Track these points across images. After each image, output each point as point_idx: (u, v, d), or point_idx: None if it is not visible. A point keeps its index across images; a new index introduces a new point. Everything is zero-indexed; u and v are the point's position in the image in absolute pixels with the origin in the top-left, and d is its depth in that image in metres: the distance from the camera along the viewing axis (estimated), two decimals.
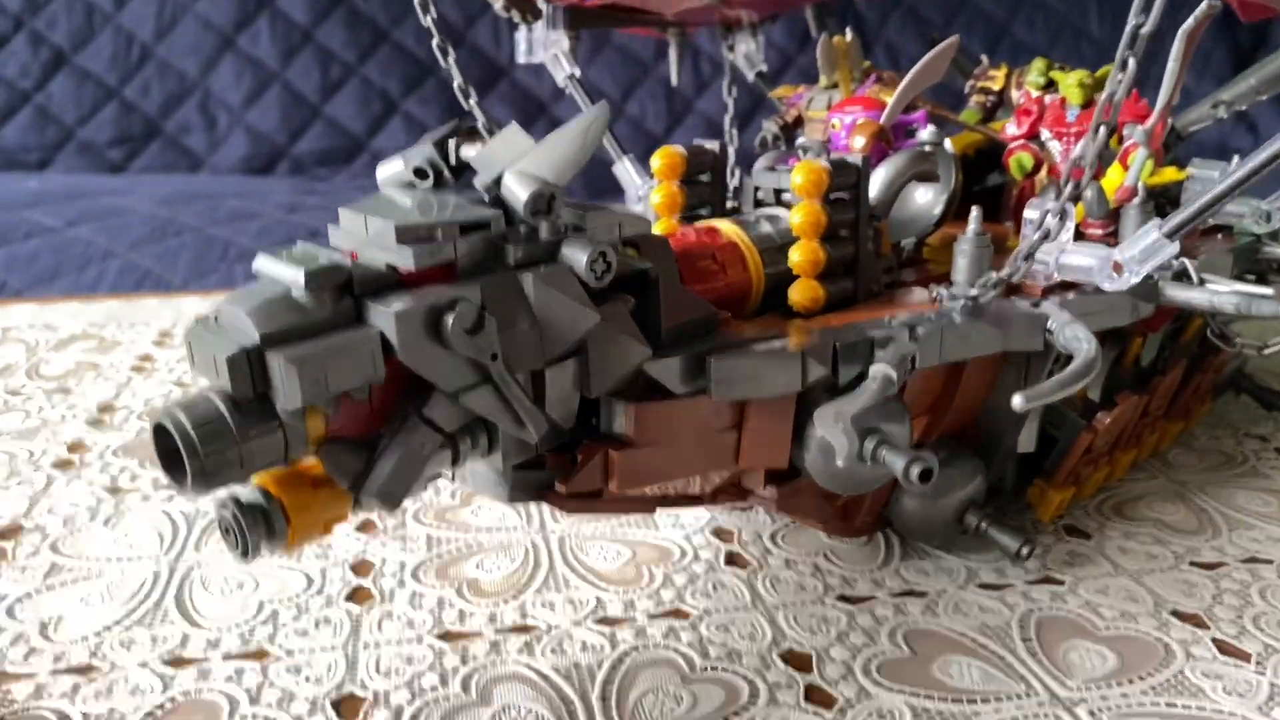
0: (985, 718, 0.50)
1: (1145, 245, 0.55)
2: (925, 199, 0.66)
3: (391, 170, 0.51)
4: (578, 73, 0.83)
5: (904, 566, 0.63)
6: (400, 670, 0.53)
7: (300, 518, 0.40)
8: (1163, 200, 0.74)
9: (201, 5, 1.99)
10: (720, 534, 0.66)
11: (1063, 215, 0.53)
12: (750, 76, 0.98)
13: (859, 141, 0.64)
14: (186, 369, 0.97)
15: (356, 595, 0.59)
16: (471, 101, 0.76)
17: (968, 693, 0.51)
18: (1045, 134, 0.74)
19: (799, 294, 0.54)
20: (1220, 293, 0.56)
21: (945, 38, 0.69)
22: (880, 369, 0.47)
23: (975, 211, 0.56)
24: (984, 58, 0.92)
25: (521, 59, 0.82)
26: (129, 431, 0.82)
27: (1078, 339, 0.51)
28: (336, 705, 0.50)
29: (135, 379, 0.95)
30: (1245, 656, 0.54)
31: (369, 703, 0.50)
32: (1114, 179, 0.73)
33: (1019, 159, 0.74)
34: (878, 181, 0.60)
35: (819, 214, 0.53)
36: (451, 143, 0.50)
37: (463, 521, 0.68)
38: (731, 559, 0.64)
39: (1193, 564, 0.63)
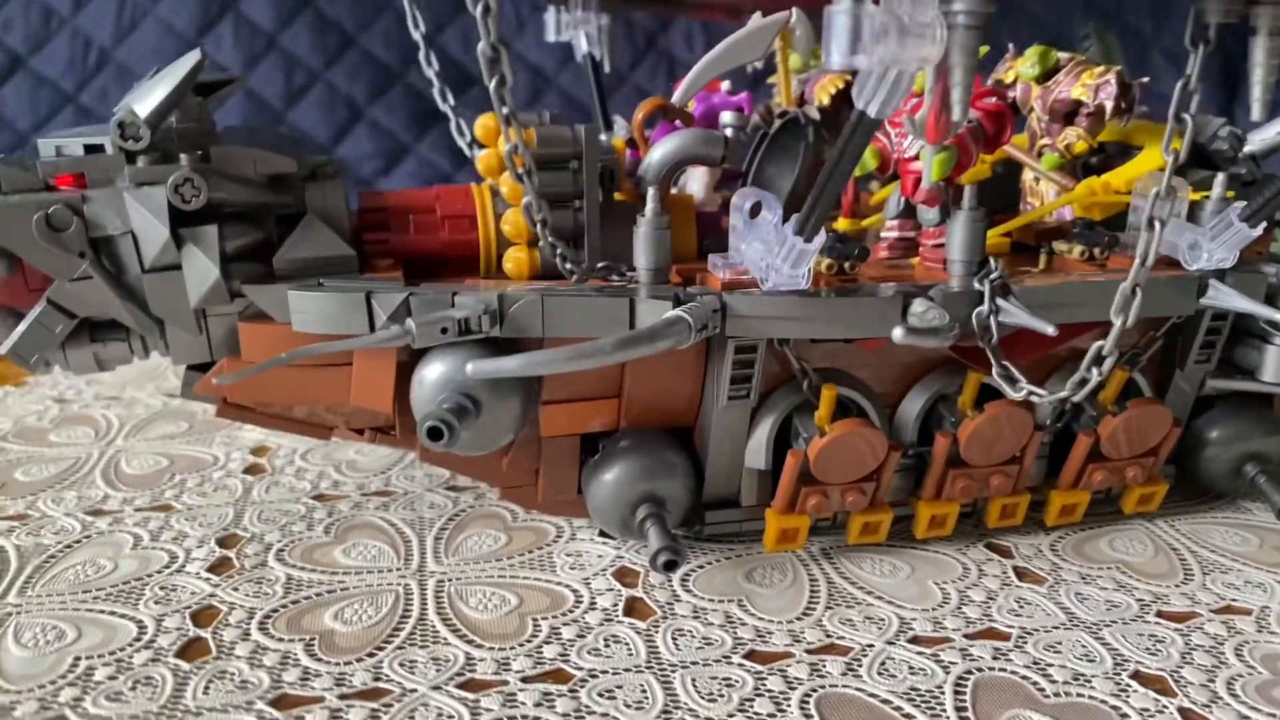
0: None
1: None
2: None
3: None
4: (597, 53, 0.80)
5: (828, 617, 0.55)
6: None
7: None
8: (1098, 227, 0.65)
9: (163, 8, 1.92)
10: (624, 576, 0.58)
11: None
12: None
13: (637, 116, 0.64)
14: None
15: (190, 650, 0.51)
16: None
17: None
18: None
19: (507, 258, 0.57)
20: None
21: None
22: (409, 321, 0.50)
23: (652, 191, 0.53)
24: (1010, 46, 0.79)
25: (550, 37, 0.82)
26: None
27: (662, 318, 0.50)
28: None
29: None
30: None
31: None
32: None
33: None
34: (650, 159, 0.59)
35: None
36: None
37: (331, 561, 0.60)
38: (632, 607, 0.56)
39: (1160, 614, 0.55)
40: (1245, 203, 0.56)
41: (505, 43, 0.43)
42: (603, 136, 0.74)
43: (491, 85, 0.44)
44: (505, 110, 0.46)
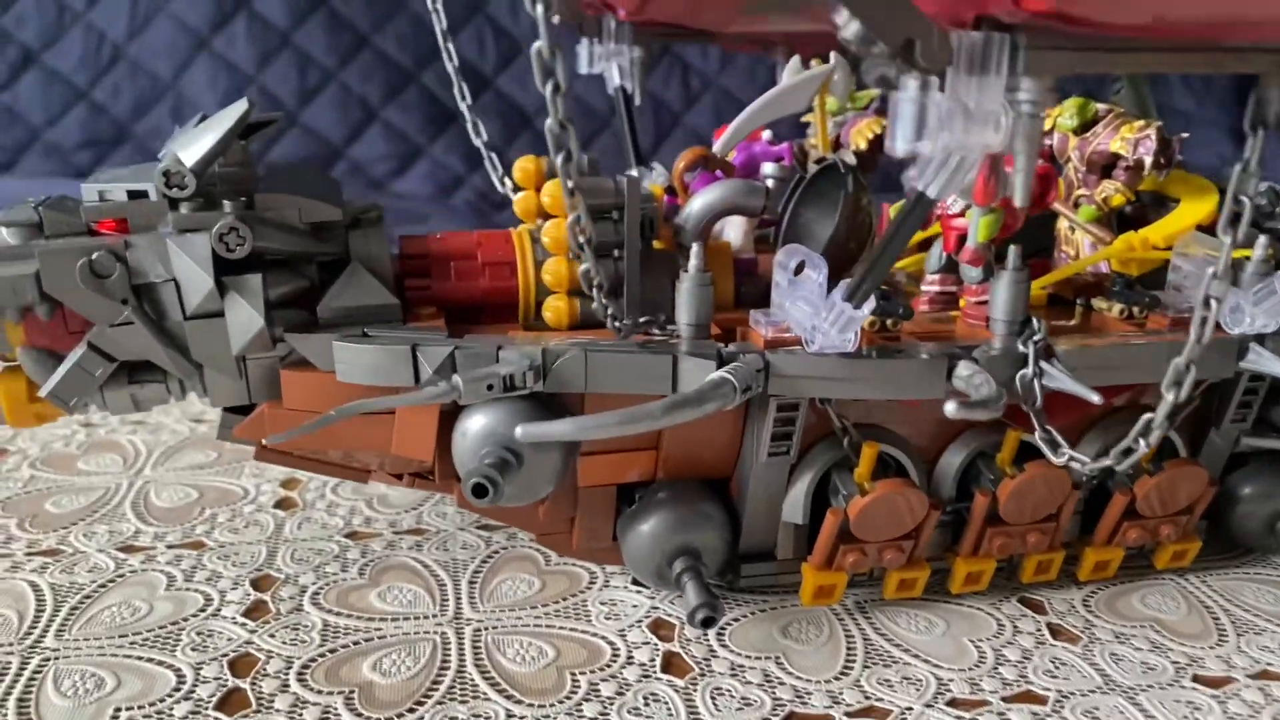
0: None
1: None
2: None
3: None
4: (629, 86, 0.79)
5: (866, 676, 0.55)
6: None
7: (10, 404, 0.55)
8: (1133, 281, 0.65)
9: (176, 5, 1.92)
10: (660, 629, 0.58)
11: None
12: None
13: (678, 165, 0.64)
14: None
15: (230, 702, 0.51)
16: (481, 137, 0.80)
17: None
18: None
19: (547, 307, 0.57)
20: None
21: None
22: (456, 378, 0.50)
23: (695, 247, 0.52)
24: None
25: (582, 70, 0.81)
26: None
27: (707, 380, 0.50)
28: None
29: None
30: None
31: None
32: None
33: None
34: (690, 209, 0.60)
35: (560, 230, 0.55)
36: None
37: (367, 606, 0.60)
38: (669, 662, 0.56)
39: (1196, 679, 0.55)
40: None
41: (573, 119, 0.42)
42: (633, 171, 0.74)
43: (559, 160, 0.44)
44: (570, 184, 0.46)
